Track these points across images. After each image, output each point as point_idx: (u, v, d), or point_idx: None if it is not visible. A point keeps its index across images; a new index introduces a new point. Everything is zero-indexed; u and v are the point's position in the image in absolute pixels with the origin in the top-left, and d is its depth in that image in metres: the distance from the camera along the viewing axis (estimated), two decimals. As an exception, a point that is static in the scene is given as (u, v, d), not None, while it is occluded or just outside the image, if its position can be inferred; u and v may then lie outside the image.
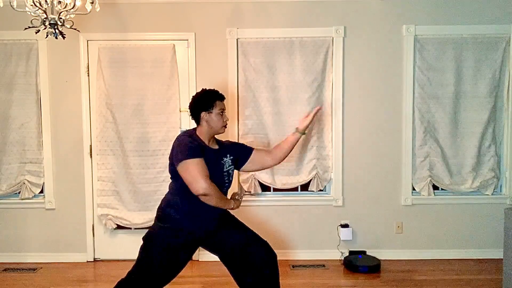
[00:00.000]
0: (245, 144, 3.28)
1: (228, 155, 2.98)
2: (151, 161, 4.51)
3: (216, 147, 2.97)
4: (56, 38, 3.19)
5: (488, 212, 4.63)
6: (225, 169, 2.93)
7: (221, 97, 2.94)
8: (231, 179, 2.99)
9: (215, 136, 3.00)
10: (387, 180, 4.63)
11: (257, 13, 4.48)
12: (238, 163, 3.10)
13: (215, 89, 2.99)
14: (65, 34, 3.26)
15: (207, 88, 3.00)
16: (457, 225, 4.66)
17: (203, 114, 2.88)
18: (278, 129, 4.55)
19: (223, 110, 2.93)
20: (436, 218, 4.65)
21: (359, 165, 4.62)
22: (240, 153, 3.08)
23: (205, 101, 2.90)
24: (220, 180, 2.89)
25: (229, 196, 3.01)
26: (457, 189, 4.62)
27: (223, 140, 3.12)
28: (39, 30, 3.15)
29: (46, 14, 3.11)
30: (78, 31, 3.47)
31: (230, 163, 2.98)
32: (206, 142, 2.90)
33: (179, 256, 2.89)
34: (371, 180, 4.63)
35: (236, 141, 3.47)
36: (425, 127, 4.56)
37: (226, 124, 2.97)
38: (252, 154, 3.10)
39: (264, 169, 3.39)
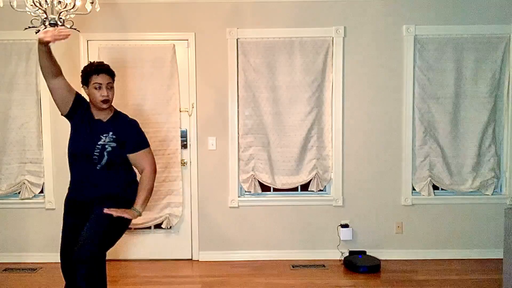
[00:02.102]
0: (141, 142, 3.03)
1: (110, 133, 2.90)
2: (151, 161, 4.51)
3: (103, 118, 2.92)
4: None
5: (488, 212, 4.63)
6: (100, 142, 2.86)
7: (97, 71, 2.87)
8: (104, 153, 2.86)
9: (117, 111, 2.99)
10: (387, 180, 4.63)
11: (257, 13, 4.48)
12: (124, 147, 2.97)
13: (98, 62, 2.95)
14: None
15: (92, 61, 2.99)
16: (457, 225, 4.66)
17: (84, 88, 2.92)
18: (278, 129, 4.55)
19: (99, 84, 2.86)
20: (436, 218, 4.65)
21: (359, 165, 4.62)
22: (125, 141, 2.95)
23: (83, 76, 2.91)
24: (89, 146, 2.85)
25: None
26: (457, 189, 4.62)
27: (126, 119, 3.02)
28: (39, 30, 3.14)
29: (46, 14, 3.11)
30: (78, 31, 3.47)
31: (111, 140, 2.89)
32: (94, 112, 2.92)
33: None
34: (371, 180, 4.63)
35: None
36: (425, 127, 4.56)
37: (106, 99, 2.87)
38: (131, 155, 2.98)
39: None
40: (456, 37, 4.49)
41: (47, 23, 3.12)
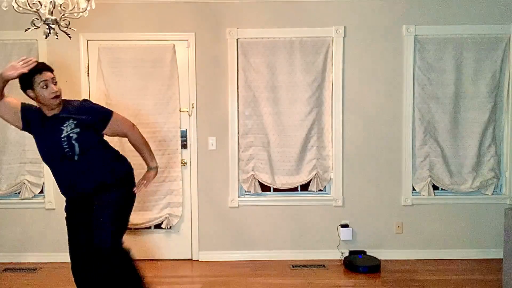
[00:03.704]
0: (104, 114, 3.04)
1: (70, 120, 2.87)
2: (151, 161, 4.51)
3: (56, 112, 2.89)
4: (57, 37, 3.20)
5: (488, 212, 4.63)
6: (63, 135, 2.84)
7: (39, 70, 2.82)
8: (73, 142, 2.85)
9: (66, 100, 2.96)
10: (387, 180, 4.63)
11: (257, 13, 4.48)
12: (96, 129, 2.97)
13: (38, 61, 2.88)
14: (70, 34, 3.26)
15: None
16: (457, 225, 4.66)
17: (28, 91, 2.85)
18: (278, 129, 4.55)
19: (46, 81, 2.81)
20: (436, 218, 4.65)
21: (359, 165, 4.61)
22: (89, 122, 2.93)
23: (24, 80, 2.83)
24: (56, 144, 2.84)
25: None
26: (457, 189, 4.62)
27: (77, 102, 3.00)
28: (38, 27, 3.14)
29: (39, 14, 3.10)
30: (74, 29, 3.44)
31: (73, 127, 2.86)
32: (46, 112, 2.89)
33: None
34: (371, 180, 4.62)
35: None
36: (425, 127, 4.56)
37: (57, 95, 2.84)
38: (105, 130, 3.00)
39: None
40: (456, 37, 4.49)
41: (48, 21, 3.10)
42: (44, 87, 2.81)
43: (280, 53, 4.49)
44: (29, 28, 3.15)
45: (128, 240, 4.59)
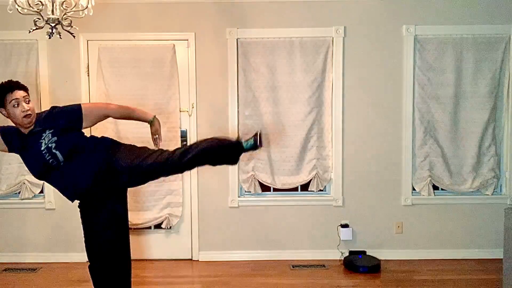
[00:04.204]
0: (74, 111, 2.92)
1: (46, 131, 2.81)
2: (151, 161, 4.50)
3: (32, 128, 2.83)
4: (60, 37, 3.20)
5: (488, 212, 4.63)
6: (43, 147, 2.79)
7: (10, 88, 2.76)
8: (54, 151, 2.78)
9: (37, 113, 2.87)
10: (387, 180, 4.62)
11: (257, 13, 4.48)
12: (74, 127, 2.90)
13: (7, 80, 2.81)
14: (74, 34, 3.26)
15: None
16: (457, 225, 4.66)
17: (1, 110, 2.79)
18: (278, 129, 4.55)
19: (17, 99, 2.73)
20: (436, 218, 4.65)
21: (359, 165, 4.61)
22: (65, 126, 2.86)
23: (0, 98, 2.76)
24: (40, 158, 2.80)
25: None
26: (457, 189, 4.62)
27: (46, 112, 2.91)
28: (42, 27, 3.13)
29: (41, 15, 3.09)
30: (76, 28, 3.44)
31: (50, 137, 2.80)
32: (23, 131, 2.84)
33: None
34: (371, 180, 4.62)
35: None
36: (425, 127, 4.56)
37: (28, 114, 2.75)
38: (84, 125, 2.92)
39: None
40: (456, 37, 4.48)
41: (50, 21, 3.10)
42: (15, 105, 2.75)
43: (280, 53, 4.48)
44: (32, 29, 3.14)
45: (128, 240, 4.62)
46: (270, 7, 4.48)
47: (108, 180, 2.88)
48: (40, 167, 2.84)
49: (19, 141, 2.84)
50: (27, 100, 2.79)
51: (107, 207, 2.96)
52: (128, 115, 3.07)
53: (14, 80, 2.85)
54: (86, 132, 3.00)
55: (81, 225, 2.99)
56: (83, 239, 3.01)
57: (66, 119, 2.87)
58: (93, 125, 3.01)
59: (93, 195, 2.93)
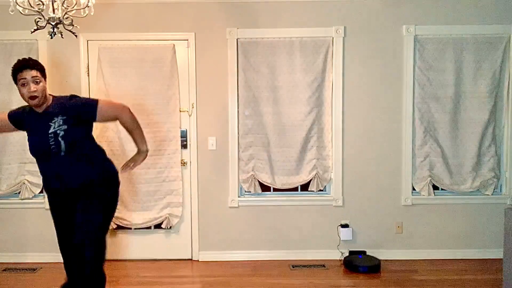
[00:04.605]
0: (91, 103, 2.98)
1: (60, 116, 2.84)
2: (151, 161, 4.49)
3: (47, 108, 2.89)
4: (62, 37, 3.20)
5: (488, 212, 4.63)
6: (50, 131, 2.82)
7: (22, 67, 2.81)
8: (60, 140, 2.82)
9: (55, 96, 2.96)
10: (387, 180, 4.63)
11: (257, 13, 4.48)
12: (85, 120, 2.95)
13: (23, 58, 2.88)
14: (76, 33, 3.27)
15: (20, 58, 2.91)
16: (457, 225, 4.66)
17: (16, 87, 2.86)
18: (278, 129, 4.55)
19: (24, 80, 2.79)
20: (436, 218, 4.65)
21: (359, 165, 4.61)
22: (79, 115, 2.91)
23: (12, 75, 2.85)
24: (44, 140, 2.82)
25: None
26: (457, 189, 4.62)
27: (65, 98, 2.96)
28: (44, 27, 3.14)
29: (42, 15, 3.09)
30: (77, 26, 3.44)
31: (61, 123, 2.84)
32: (37, 109, 2.89)
33: None
34: (371, 180, 4.63)
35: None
36: (425, 127, 4.56)
37: (33, 95, 2.80)
38: (96, 119, 2.95)
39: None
40: (456, 37, 4.48)
41: (51, 21, 3.10)
42: (23, 85, 2.80)
43: (280, 53, 4.49)
44: (34, 29, 3.15)
45: (128, 240, 4.62)
46: (270, 7, 4.48)
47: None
48: (40, 148, 2.86)
49: (32, 118, 2.87)
50: (37, 80, 2.81)
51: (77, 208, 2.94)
52: (132, 130, 3.07)
53: (30, 58, 2.90)
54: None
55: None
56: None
57: (81, 109, 2.91)
58: (105, 122, 3.03)
59: (70, 196, 2.94)
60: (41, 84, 2.85)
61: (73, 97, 2.99)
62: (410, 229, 4.66)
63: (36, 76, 2.83)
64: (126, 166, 3.10)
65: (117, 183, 3.08)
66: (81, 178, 2.92)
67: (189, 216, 4.65)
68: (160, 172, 4.53)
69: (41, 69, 2.89)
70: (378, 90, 4.56)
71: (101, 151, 3.09)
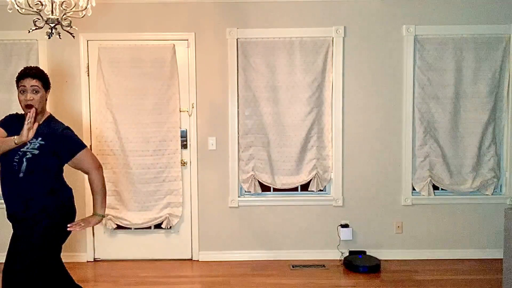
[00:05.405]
0: (75, 148, 2.89)
1: (39, 139, 2.76)
2: (151, 161, 4.51)
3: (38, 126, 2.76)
4: (60, 37, 3.20)
5: (488, 212, 4.63)
6: (22, 149, 2.73)
7: (24, 75, 2.77)
8: (24, 161, 2.74)
9: (52, 117, 2.89)
10: (387, 180, 4.63)
11: (257, 13, 4.48)
12: (60, 156, 2.86)
13: (26, 67, 2.84)
14: (73, 34, 3.27)
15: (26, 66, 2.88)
16: (457, 225, 4.66)
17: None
18: (278, 129, 4.55)
19: (24, 88, 2.74)
20: (436, 218, 4.65)
21: (359, 165, 4.62)
22: (57, 152, 2.83)
23: (15, 82, 2.81)
24: (12, 154, 2.74)
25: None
26: (457, 189, 4.62)
27: (59, 126, 2.88)
28: (42, 27, 3.13)
29: (40, 15, 3.09)
30: (76, 28, 3.44)
31: (36, 147, 2.76)
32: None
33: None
34: (371, 180, 4.63)
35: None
36: (425, 127, 4.56)
37: (29, 105, 2.73)
38: (69, 162, 2.88)
39: None
40: (456, 37, 4.49)
41: (49, 21, 3.10)
42: (22, 92, 2.77)
43: (280, 53, 4.49)
44: (31, 29, 3.15)
45: (128, 240, 4.62)
46: (270, 7, 4.48)
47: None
48: (6, 160, 2.76)
49: (19, 128, 2.70)
50: (36, 90, 2.78)
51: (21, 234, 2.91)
52: (97, 191, 2.94)
53: (34, 67, 2.85)
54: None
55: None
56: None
57: (62, 146, 2.84)
58: (74, 168, 2.92)
59: (15, 219, 2.92)
60: (39, 94, 2.79)
61: (66, 129, 2.90)
62: (410, 229, 4.66)
63: (36, 85, 2.78)
64: (77, 224, 2.91)
65: (63, 216, 2.93)
66: (24, 205, 2.83)
67: (189, 216, 4.65)
68: (160, 172, 4.53)
69: (43, 79, 2.83)
70: (378, 90, 4.56)
71: (57, 183, 2.93)
